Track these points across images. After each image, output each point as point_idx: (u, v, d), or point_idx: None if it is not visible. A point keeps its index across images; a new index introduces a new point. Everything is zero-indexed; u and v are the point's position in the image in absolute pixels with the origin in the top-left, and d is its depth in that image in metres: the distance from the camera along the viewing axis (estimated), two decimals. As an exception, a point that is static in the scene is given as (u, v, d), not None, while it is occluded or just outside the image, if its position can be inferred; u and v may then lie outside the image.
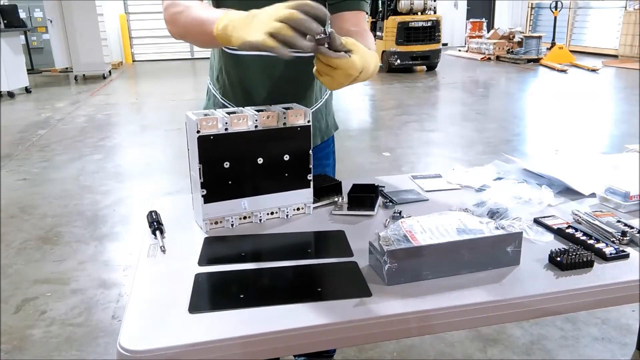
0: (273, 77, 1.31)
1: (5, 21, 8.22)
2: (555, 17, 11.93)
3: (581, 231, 1.07)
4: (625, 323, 2.14)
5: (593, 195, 1.28)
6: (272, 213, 1.19)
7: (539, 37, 11.50)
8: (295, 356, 1.66)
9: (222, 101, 1.39)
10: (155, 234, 1.11)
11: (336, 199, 1.27)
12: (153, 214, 1.17)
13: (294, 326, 0.80)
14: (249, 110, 1.14)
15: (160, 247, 1.05)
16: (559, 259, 0.95)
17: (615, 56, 11.62)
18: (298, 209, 1.21)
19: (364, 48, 0.93)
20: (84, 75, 10.30)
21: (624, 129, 5.57)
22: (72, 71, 10.26)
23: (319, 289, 0.91)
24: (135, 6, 13.31)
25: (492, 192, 1.24)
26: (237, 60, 1.30)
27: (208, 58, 1.47)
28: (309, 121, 1.16)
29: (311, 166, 1.19)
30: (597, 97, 7.61)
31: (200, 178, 1.09)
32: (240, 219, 1.16)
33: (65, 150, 5.16)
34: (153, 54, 13.49)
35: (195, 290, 0.90)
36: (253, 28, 0.85)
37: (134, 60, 13.60)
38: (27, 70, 9.13)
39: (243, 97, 1.34)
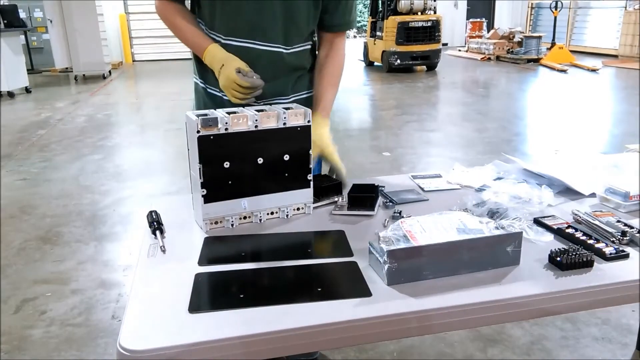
0: (256, 68, 1.32)
1: (5, 21, 8.21)
2: (555, 17, 11.92)
3: (581, 231, 1.07)
4: (625, 323, 2.14)
5: (593, 195, 1.28)
6: (272, 213, 1.19)
7: (539, 37, 11.49)
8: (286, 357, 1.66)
9: (203, 85, 1.46)
10: (155, 234, 1.11)
11: (336, 199, 1.27)
12: (153, 214, 1.17)
13: (294, 326, 0.80)
14: (249, 111, 1.14)
15: (160, 247, 1.06)
16: (559, 258, 0.95)
17: (615, 56, 11.61)
18: (298, 209, 1.21)
19: None
20: (83, 75, 10.30)
21: (623, 129, 5.56)
22: (72, 71, 10.25)
23: (319, 289, 0.91)
24: (135, 6, 13.29)
25: (492, 192, 1.24)
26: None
27: None
28: (309, 121, 1.16)
29: (311, 166, 1.19)
30: (597, 97, 7.61)
31: (200, 178, 1.09)
32: (240, 219, 1.16)
33: (65, 150, 5.15)
34: (153, 53, 13.47)
35: (195, 290, 0.90)
36: (221, 77, 1.28)
37: (133, 60, 13.59)
38: (27, 70, 9.12)
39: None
